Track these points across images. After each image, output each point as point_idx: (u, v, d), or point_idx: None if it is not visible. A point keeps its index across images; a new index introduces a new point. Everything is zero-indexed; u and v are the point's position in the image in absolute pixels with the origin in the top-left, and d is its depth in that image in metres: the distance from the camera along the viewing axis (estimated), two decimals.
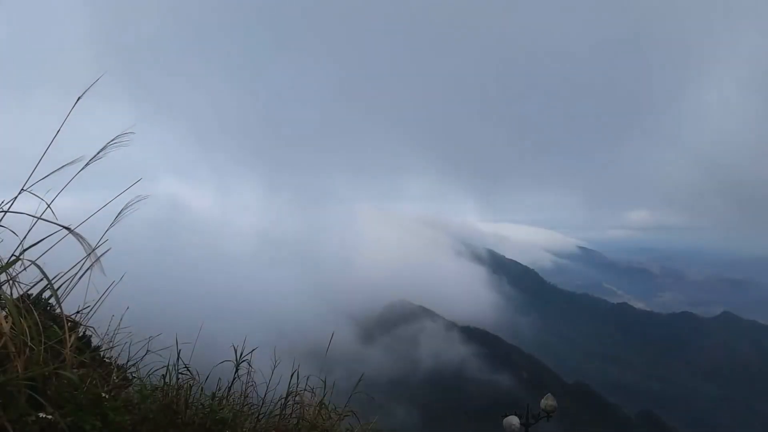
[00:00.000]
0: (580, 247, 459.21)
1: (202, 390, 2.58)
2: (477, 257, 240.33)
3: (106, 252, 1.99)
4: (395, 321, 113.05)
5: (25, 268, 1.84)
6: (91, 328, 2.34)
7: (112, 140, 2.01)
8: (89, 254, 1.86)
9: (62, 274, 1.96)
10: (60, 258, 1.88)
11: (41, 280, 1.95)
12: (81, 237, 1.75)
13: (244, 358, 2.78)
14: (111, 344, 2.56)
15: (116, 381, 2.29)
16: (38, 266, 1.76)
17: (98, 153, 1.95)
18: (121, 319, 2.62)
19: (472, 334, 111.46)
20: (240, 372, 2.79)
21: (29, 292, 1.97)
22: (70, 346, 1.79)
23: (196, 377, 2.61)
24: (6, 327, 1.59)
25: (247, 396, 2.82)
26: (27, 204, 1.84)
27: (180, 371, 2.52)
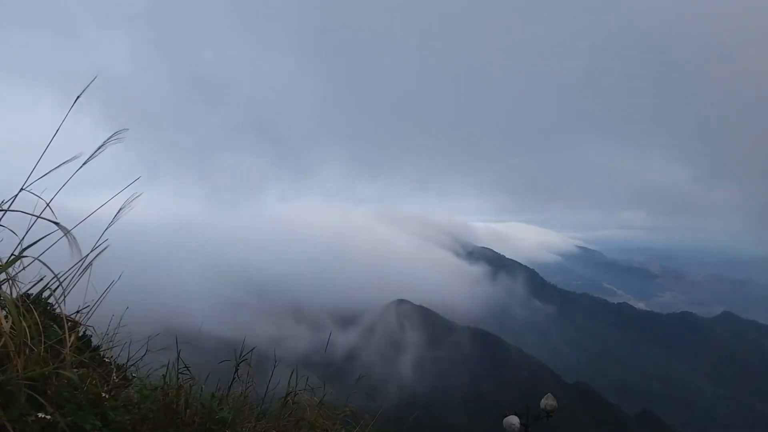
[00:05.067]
0: (580, 247, 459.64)
1: (202, 390, 2.57)
2: (477, 257, 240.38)
3: (103, 251, 1.99)
4: (395, 321, 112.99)
5: (24, 268, 1.84)
6: (90, 328, 2.34)
7: (108, 138, 2.00)
8: (88, 254, 1.86)
9: (62, 273, 1.96)
10: (60, 257, 1.88)
11: (41, 279, 1.95)
12: (73, 237, 1.74)
13: (243, 358, 2.78)
14: (111, 344, 2.56)
15: (116, 381, 2.29)
16: (42, 262, 1.75)
17: (96, 151, 1.94)
18: (120, 319, 2.62)
19: (472, 334, 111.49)
20: (240, 372, 2.78)
21: (29, 292, 1.97)
22: (70, 346, 1.79)
23: (196, 377, 2.60)
24: (6, 327, 1.59)
25: (247, 396, 2.82)
26: (26, 203, 1.83)
27: (180, 371, 2.51)
